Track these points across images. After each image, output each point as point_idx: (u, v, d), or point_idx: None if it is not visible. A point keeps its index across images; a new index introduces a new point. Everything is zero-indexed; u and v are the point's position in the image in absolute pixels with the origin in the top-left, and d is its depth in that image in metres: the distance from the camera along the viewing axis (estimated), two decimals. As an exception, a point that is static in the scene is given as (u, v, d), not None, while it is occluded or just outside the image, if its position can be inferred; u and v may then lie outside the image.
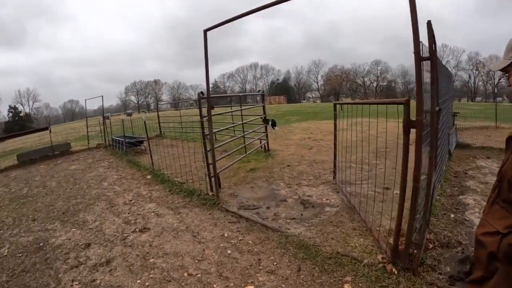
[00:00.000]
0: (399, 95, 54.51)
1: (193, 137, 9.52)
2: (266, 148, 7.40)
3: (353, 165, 4.76)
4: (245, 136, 6.83)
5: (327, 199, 4.06)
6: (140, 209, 4.33)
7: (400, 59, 72.82)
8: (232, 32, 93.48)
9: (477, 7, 67.50)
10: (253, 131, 7.43)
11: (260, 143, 7.30)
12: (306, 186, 4.65)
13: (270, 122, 7.36)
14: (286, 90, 59.49)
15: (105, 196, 5.14)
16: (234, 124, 7.19)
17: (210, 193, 4.39)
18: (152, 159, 6.63)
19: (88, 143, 11.35)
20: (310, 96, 65.82)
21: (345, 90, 61.73)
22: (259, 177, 5.34)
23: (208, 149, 4.36)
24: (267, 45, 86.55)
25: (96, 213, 4.31)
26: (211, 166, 4.37)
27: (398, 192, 2.36)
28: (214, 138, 4.60)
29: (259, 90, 8.10)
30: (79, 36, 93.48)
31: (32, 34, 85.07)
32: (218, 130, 7.14)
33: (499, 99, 42.22)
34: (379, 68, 57.35)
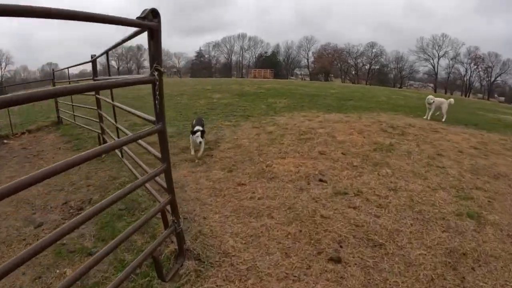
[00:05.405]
0: (391, 80, 51.68)
1: (93, 136, 5.83)
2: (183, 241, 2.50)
3: None
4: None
5: None
6: None
7: (393, 46, 69.84)
8: (219, 3, 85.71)
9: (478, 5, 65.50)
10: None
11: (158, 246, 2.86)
12: None
13: (198, 133, 4.09)
14: (274, 64, 54.81)
15: None
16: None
17: None
18: None
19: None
20: (299, 73, 61.52)
21: (335, 70, 57.87)
22: None
23: None
24: (256, 20, 79.64)
25: None
26: None
27: None
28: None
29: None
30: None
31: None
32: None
33: (501, 98, 40.59)
34: (374, 50, 53.46)
